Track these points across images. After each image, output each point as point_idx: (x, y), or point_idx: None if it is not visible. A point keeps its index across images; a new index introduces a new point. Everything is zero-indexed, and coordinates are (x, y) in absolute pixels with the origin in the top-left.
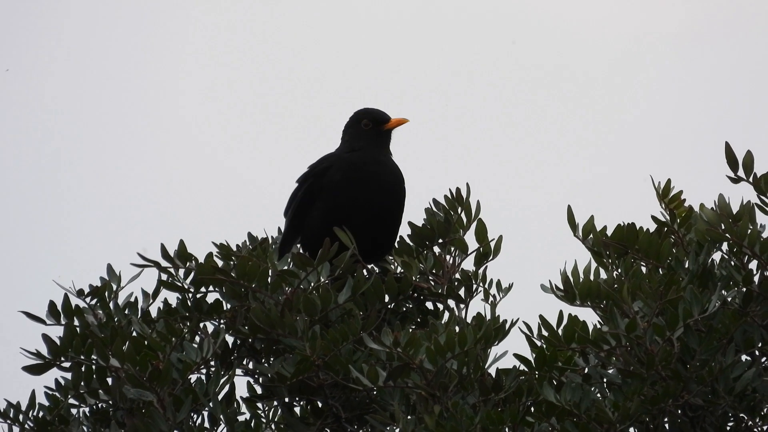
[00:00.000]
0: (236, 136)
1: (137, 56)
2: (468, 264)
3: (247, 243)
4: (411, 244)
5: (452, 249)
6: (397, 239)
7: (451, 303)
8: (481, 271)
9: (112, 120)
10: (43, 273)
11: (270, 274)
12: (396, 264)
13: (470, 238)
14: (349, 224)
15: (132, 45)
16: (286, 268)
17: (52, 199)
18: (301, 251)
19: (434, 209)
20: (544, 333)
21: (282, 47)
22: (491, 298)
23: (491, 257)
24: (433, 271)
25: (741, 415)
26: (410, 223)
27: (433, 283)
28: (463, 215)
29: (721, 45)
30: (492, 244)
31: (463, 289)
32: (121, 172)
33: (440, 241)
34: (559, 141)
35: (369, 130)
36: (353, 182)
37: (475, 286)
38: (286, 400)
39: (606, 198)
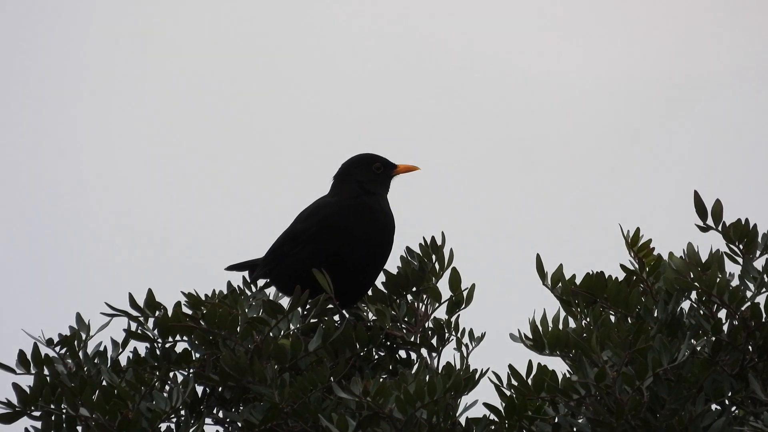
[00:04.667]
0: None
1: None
2: (441, 312)
3: (223, 291)
4: (385, 291)
5: (425, 297)
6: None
7: (424, 352)
8: (453, 319)
9: (75, 172)
10: (12, 322)
11: (240, 321)
12: (369, 312)
13: (443, 286)
14: (349, 265)
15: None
16: (256, 315)
17: (18, 247)
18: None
19: (408, 258)
20: (514, 382)
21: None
22: (463, 347)
23: (464, 306)
24: (406, 320)
25: None
26: (385, 271)
27: (405, 332)
28: (436, 264)
29: (687, 95)
30: (465, 293)
31: (435, 338)
32: (86, 219)
33: (414, 289)
34: (531, 188)
35: (380, 174)
36: (368, 224)
37: (447, 335)
38: None
39: (575, 246)
